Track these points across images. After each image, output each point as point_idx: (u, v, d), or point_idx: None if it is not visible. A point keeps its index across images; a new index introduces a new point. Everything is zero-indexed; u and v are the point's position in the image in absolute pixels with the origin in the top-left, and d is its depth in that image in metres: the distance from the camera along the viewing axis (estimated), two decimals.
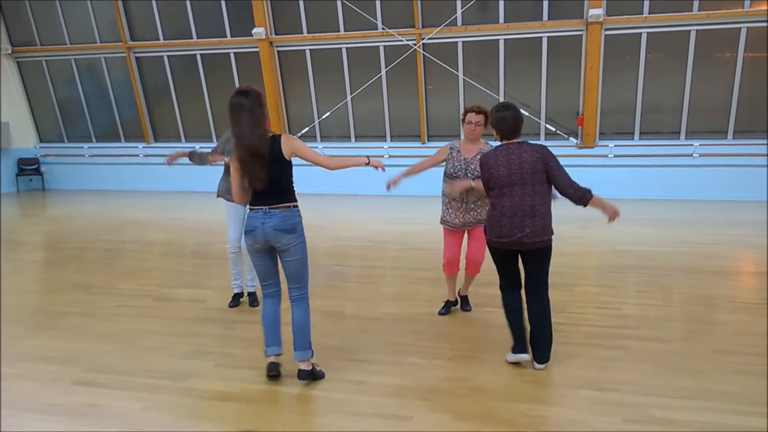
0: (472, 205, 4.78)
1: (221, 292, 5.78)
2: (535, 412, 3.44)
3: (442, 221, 4.97)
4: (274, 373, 3.85)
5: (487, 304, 5.23)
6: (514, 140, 3.89)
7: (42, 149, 15.51)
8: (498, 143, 4.00)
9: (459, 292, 5.28)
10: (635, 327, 4.77)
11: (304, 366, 3.82)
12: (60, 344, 4.61)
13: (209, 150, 5.24)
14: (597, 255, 7.33)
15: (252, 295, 5.50)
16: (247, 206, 3.83)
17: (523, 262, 4.00)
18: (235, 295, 5.50)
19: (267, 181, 3.62)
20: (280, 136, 3.71)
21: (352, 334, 4.75)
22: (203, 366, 4.14)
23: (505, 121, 3.87)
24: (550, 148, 3.87)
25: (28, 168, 15.19)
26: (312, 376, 3.84)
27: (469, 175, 4.69)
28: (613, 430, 3.21)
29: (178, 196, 13.38)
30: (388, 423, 3.33)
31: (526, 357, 3.98)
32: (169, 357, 4.29)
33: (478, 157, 4.66)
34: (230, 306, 5.43)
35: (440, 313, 5.12)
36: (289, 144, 3.68)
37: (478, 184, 4.49)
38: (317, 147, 13.18)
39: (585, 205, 3.80)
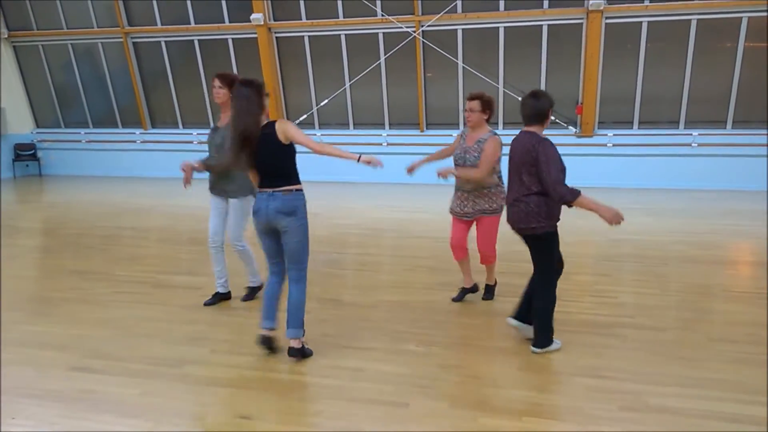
0: (468, 194, 4.78)
1: None
2: (530, 399, 3.46)
3: (450, 210, 4.99)
4: (266, 345, 3.99)
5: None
6: (527, 128, 3.94)
7: (39, 135, 15.44)
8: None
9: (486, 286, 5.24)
10: (631, 315, 4.78)
11: (295, 344, 3.94)
12: (57, 330, 4.61)
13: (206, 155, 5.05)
14: (593, 244, 7.33)
15: (253, 290, 5.29)
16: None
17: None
18: (217, 293, 5.21)
19: (259, 164, 3.80)
20: (275, 121, 3.78)
21: (350, 321, 4.75)
22: (200, 352, 4.15)
23: (524, 107, 3.94)
24: (549, 138, 3.87)
25: (25, 153, 15.11)
26: (302, 353, 3.97)
27: (467, 163, 4.68)
28: (609, 418, 3.23)
29: (175, 183, 13.26)
30: (384, 409, 3.35)
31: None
32: (166, 343, 4.30)
33: (477, 145, 4.65)
34: (206, 304, 5.13)
35: (453, 300, 5.09)
36: (282, 127, 3.75)
37: (460, 172, 4.63)
38: (315, 134, 13.16)
39: (569, 206, 3.79)
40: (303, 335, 3.97)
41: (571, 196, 3.70)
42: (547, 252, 3.98)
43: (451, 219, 5.00)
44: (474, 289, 5.17)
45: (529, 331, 4.15)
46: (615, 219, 3.71)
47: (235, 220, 5.00)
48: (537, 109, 3.88)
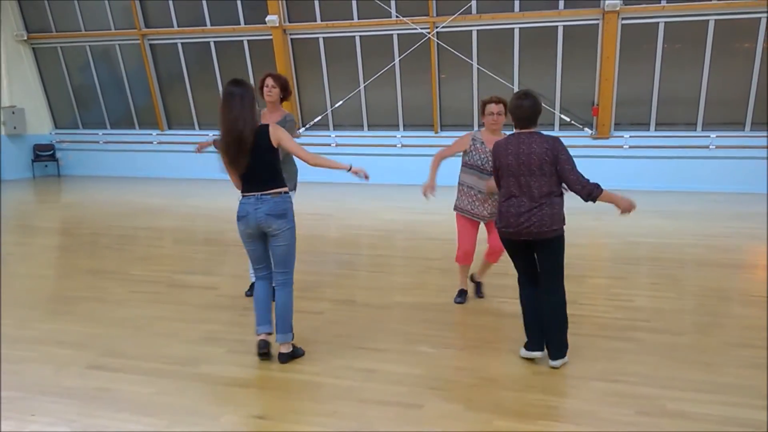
0: (488, 196, 4.76)
1: (233, 279, 5.81)
2: (546, 402, 3.44)
3: (461, 210, 4.93)
4: (264, 350, 3.96)
5: (500, 294, 5.22)
6: (528, 130, 3.83)
7: (57, 135, 15.63)
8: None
9: (473, 278, 5.26)
10: (647, 319, 4.74)
11: (284, 349, 3.95)
12: (74, 328, 4.66)
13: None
14: (609, 247, 7.28)
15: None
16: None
17: (536, 255, 3.92)
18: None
19: (247, 168, 3.78)
20: (267, 125, 3.82)
21: (363, 322, 4.76)
22: (215, 352, 4.17)
23: (522, 109, 3.81)
24: (563, 140, 3.83)
25: (44, 154, 15.31)
26: (292, 356, 3.98)
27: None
28: (625, 422, 3.20)
29: (190, 184, 13.44)
30: (398, 411, 3.34)
31: (537, 354, 3.91)
32: (181, 343, 4.32)
33: None
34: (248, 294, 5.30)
35: (457, 302, 5.09)
36: (276, 133, 3.78)
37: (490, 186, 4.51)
38: (330, 135, 13.20)
39: (594, 201, 3.75)
40: (292, 339, 3.99)
41: (598, 191, 3.69)
42: (563, 251, 3.92)
43: (456, 218, 4.99)
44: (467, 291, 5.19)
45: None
46: (629, 207, 3.79)
47: None
48: (535, 110, 3.82)
